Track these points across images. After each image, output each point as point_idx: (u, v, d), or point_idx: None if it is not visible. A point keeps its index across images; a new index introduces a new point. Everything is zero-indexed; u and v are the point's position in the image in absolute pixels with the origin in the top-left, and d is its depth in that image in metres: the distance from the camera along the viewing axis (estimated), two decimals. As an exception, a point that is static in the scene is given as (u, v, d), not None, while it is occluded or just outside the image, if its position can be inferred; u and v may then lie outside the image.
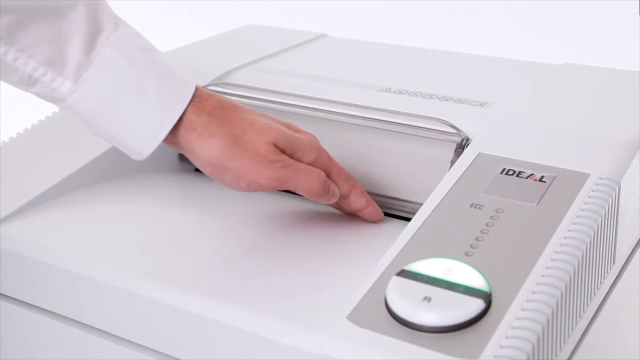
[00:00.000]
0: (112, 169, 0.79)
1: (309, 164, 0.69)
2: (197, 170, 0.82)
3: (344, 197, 0.71)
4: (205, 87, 0.83)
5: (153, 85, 0.66)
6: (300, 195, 0.73)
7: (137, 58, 0.66)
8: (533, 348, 0.51)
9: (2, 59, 0.64)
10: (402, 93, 0.81)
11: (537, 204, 0.62)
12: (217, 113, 0.67)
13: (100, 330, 0.66)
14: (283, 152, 0.68)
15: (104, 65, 0.65)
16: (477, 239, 0.59)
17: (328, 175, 0.70)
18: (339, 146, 0.77)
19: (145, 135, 0.66)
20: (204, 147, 0.66)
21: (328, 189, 0.69)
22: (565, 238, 0.58)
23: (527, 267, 0.56)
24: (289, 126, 0.71)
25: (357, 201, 0.71)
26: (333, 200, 0.70)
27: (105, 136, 0.68)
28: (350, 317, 0.55)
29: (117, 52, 0.65)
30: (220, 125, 0.67)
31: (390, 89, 0.82)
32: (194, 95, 0.67)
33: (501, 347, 0.51)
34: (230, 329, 0.58)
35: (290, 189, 0.68)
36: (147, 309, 0.62)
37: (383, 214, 0.73)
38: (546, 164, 0.66)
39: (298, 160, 0.68)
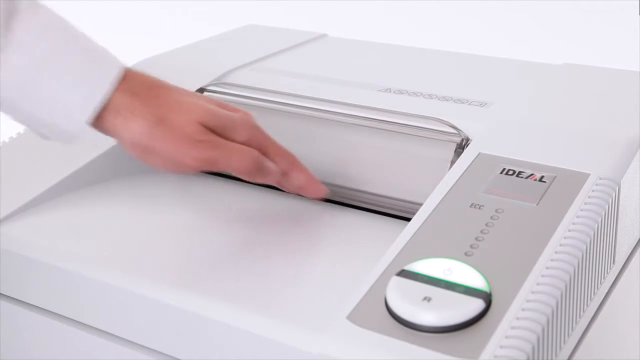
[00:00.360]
0: (112, 170, 0.79)
1: (243, 143, 0.67)
2: (197, 170, 0.82)
3: (283, 174, 0.70)
4: (205, 87, 0.84)
5: (77, 67, 0.64)
6: (300, 195, 0.73)
7: (58, 40, 0.64)
8: (533, 348, 0.51)
9: None
10: (402, 93, 0.81)
11: (537, 204, 0.62)
12: (141, 93, 0.65)
13: (100, 330, 0.66)
14: (213, 131, 0.66)
15: (22, 48, 0.63)
16: (477, 239, 0.59)
17: (265, 153, 0.68)
18: (338, 146, 0.77)
19: (72, 119, 0.64)
20: (128, 129, 0.64)
21: (262, 167, 0.67)
22: (565, 238, 0.58)
23: (527, 267, 0.56)
24: (221, 105, 0.69)
25: (298, 178, 0.70)
26: (271, 179, 0.69)
27: (32, 125, 0.66)
28: (350, 317, 0.55)
29: (36, 35, 0.63)
30: (144, 105, 0.65)
31: (390, 89, 0.82)
32: (120, 76, 0.65)
33: (501, 347, 0.51)
34: (230, 328, 0.58)
35: (222, 170, 0.67)
36: (147, 309, 0.62)
37: (327, 191, 0.72)
38: (546, 164, 0.66)
39: (230, 139, 0.67)
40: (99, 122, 0.65)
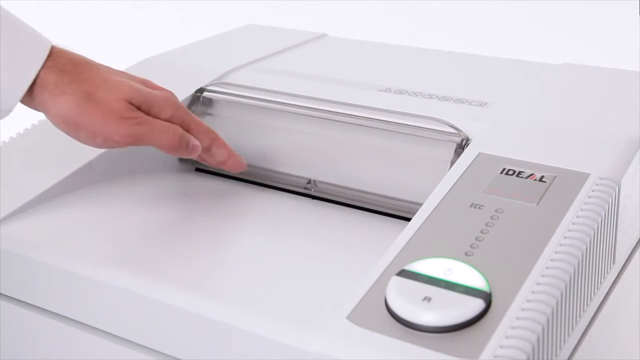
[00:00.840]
0: (111, 169, 0.79)
1: (167, 120, 0.70)
2: (197, 169, 0.83)
3: (205, 150, 0.73)
4: (205, 87, 0.84)
5: (7, 46, 0.66)
6: (301, 194, 0.73)
7: None
8: (533, 348, 0.51)
9: None
10: (402, 93, 0.81)
11: (537, 204, 0.62)
12: (68, 70, 0.68)
13: (100, 330, 0.66)
14: (138, 108, 0.69)
15: None
16: (477, 239, 0.59)
17: (187, 130, 0.71)
18: (338, 146, 0.77)
19: (4, 96, 0.66)
20: (57, 105, 0.67)
21: (186, 143, 0.70)
22: (565, 238, 0.58)
23: (527, 267, 0.56)
24: (145, 83, 0.72)
25: (219, 153, 0.74)
26: (194, 154, 0.72)
27: None
28: (350, 317, 0.55)
29: None
30: (71, 82, 0.67)
31: (390, 89, 0.82)
32: (48, 54, 0.67)
33: (501, 347, 0.51)
34: (230, 328, 0.58)
35: (148, 145, 0.69)
36: (147, 309, 0.62)
37: (246, 166, 0.76)
38: (546, 164, 0.66)
39: (155, 116, 0.70)
40: (28, 98, 0.68)
